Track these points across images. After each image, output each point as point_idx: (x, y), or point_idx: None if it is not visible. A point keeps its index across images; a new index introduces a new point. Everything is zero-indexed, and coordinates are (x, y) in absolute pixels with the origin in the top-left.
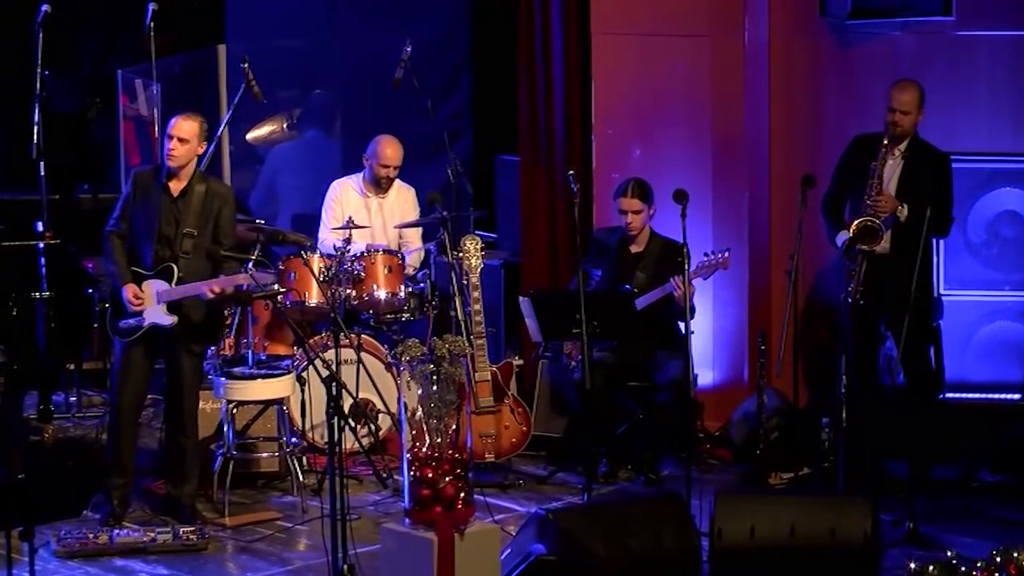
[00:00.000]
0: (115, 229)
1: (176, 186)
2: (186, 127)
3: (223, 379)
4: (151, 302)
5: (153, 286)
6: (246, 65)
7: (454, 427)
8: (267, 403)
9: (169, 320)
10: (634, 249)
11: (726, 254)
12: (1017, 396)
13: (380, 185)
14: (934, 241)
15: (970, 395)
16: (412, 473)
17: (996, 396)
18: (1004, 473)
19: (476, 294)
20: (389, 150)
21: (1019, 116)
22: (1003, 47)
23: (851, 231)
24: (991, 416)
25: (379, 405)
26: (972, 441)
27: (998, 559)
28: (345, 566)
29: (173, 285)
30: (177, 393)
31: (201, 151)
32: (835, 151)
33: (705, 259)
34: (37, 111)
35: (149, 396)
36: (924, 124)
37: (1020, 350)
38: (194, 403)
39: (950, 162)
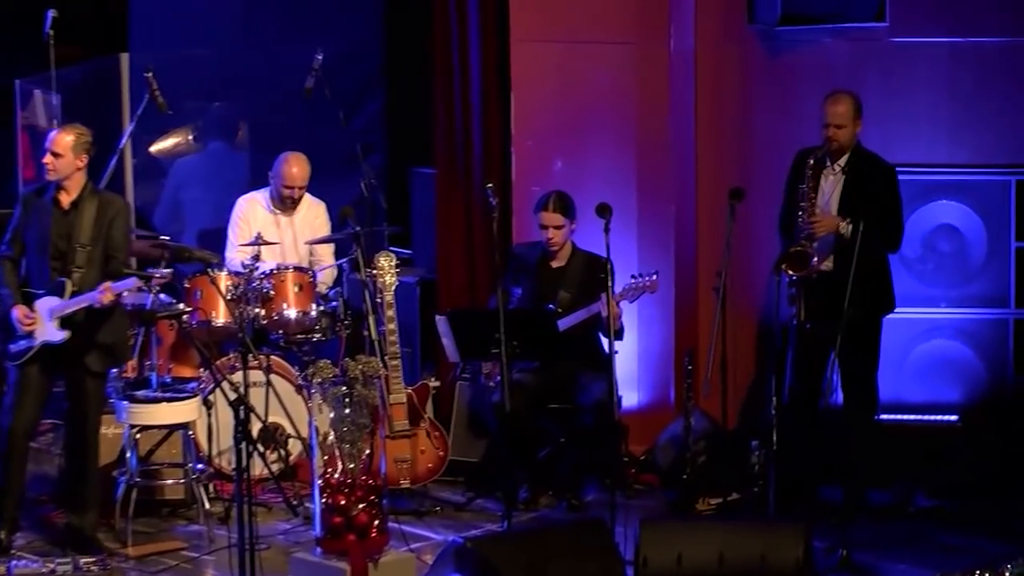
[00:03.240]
0: (7, 253)
1: (66, 199)
2: (60, 140)
3: (126, 403)
4: (42, 321)
5: (44, 304)
6: (150, 74)
7: (368, 452)
8: (172, 428)
9: (61, 335)
10: (555, 265)
11: (654, 277)
12: (954, 417)
13: (286, 203)
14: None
15: (906, 416)
16: (324, 500)
17: (933, 418)
18: (941, 498)
19: (391, 313)
20: (295, 168)
21: (957, 127)
22: (940, 55)
23: (780, 257)
24: (928, 438)
25: (289, 429)
26: (909, 464)
27: None
28: None
29: (66, 298)
30: (78, 417)
31: (82, 164)
32: (765, 163)
33: (632, 282)
34: None
35: (48, 421)
36: (861, 134)
37: (958, 370)
38: (95, 427)
39: (896, 174)
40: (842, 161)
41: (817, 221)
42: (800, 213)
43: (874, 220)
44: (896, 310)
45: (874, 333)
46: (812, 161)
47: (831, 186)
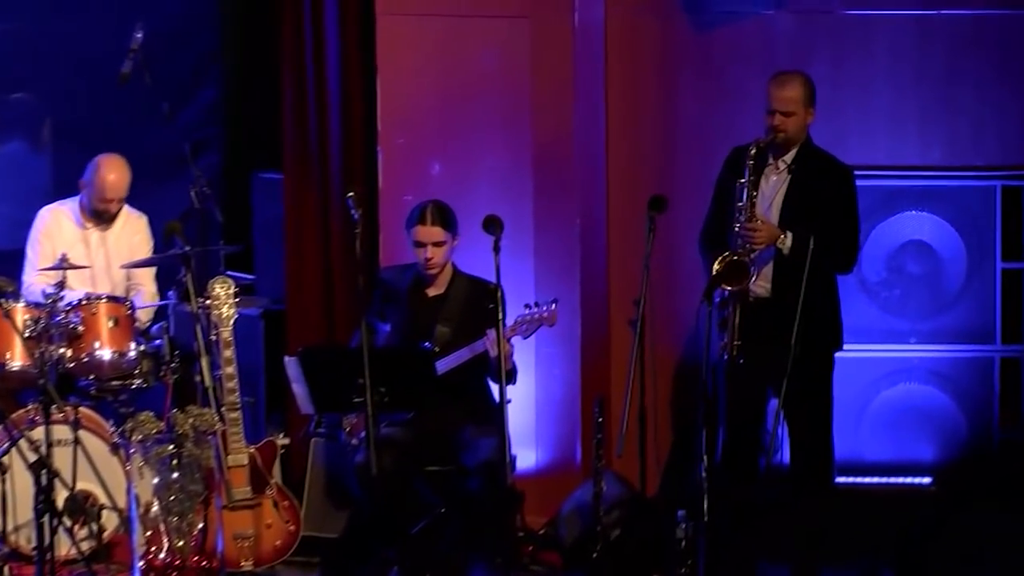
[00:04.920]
0: None
1: None
2: None
3: None
4: None
5: None
6: None
7: (200, 526)
8: None
9: None
10: (433, 292)
11: (552, 307)
12: (927, 480)
13: (102, 216)
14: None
15: (868, 479)
16: None
17: (901, 480)
18: None
19: (228, 353)
20: (111, 175)
21: (927, 119)
22: (904, 30)
23: (714, 269)
24: (894, 505)
25: (103, 498)
26: (871, 537)
27: None
28: None
29: None
30: None
31: None
32: (693, 165)
33: (526, 312)
34: None
35: None
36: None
37: (931, 420)
38: None
39: (854, 177)
40: (788, 157)
41: (757, 228)
42: (737, 216)
43: (825, 233)
44: (856, 347)
45: (825, 375)
46: (754, 151)
47: (773, 187)
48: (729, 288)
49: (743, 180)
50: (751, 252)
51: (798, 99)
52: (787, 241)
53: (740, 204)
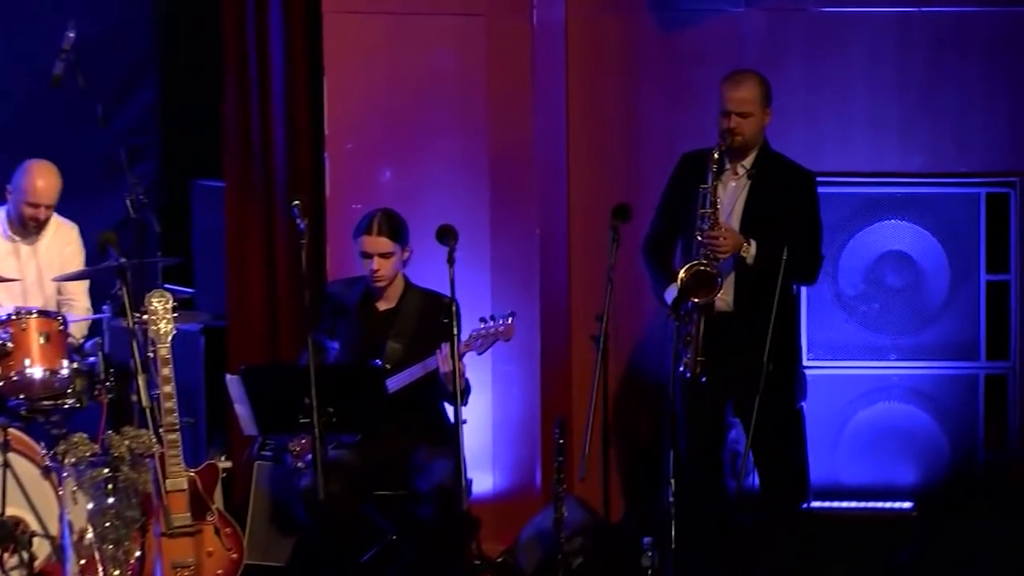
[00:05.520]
0: None
1: None
2: None
3: None
4: None
5: None
6: None
7: (137, 555)
8: None
9: None
10: (383, 307)
11: (509, 320)
12: (908, 505)
13: (29, 228)
14: (801, 290)
15: (844, 504)
16: None
17: (880, 505)
18: None
19: (167, 371)
20: (40, 181)
21: (908, 123)
22: (886, 28)
23: (680, 280)
24: (872, 532)
25: (33, 525)
26: (848, 566)
27: None
28: None
29: None
30: None
31: None
32: (659, 171)
33: (481, 327)
34: None
35: None
36: (780, 134)
37: (912, 441)
38: None
39: (815, 182)
40: (747, 162)
41: (720, 237)
42: (700, 224)
43: (788, 241)
44: (833, 364)
45: (789, 391)
46: (717, 155)
47: (732, 194)
48: (697, 300)
49: (705, 186)
50: (715, 261)
51: (754, 99)
52: (751, 250)
53: (703, 211)
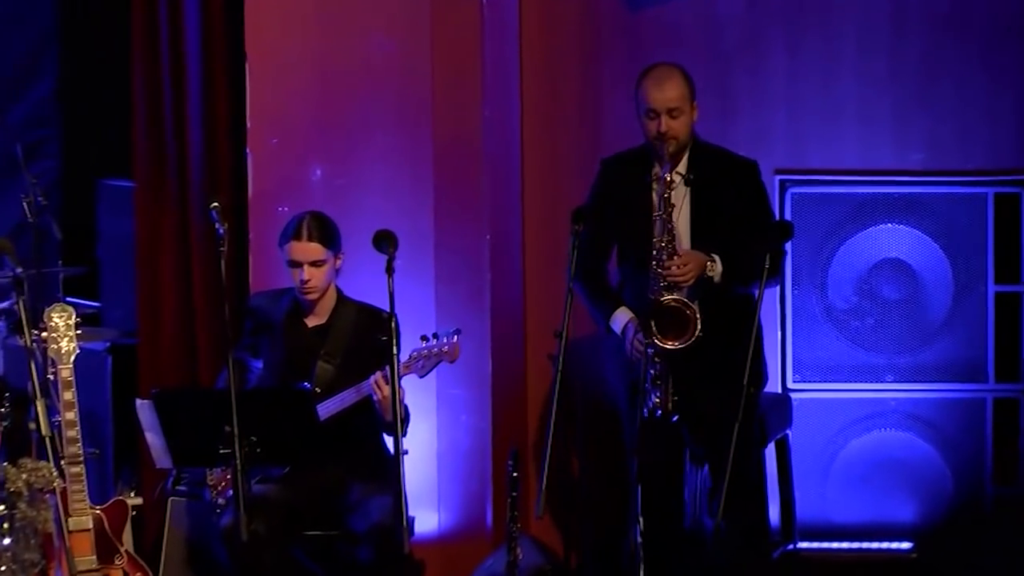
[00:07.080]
0: None
1: None
2: None
3: None
4: None
5: None
6: None
7: None
8: None
9: None
10: (313, 322)
11: (453, 339)
12: (907, 545)
13: None
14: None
15: (835, 544)
16: None
17: (876, 546)
18: None
19: (69, 395)
20: None
21: (904, 116)
22: (878, 7)
23: (652, 325)
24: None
25: None
26: None
27: None
28: None
29: None
30: None
31: None
32: None
33: (423, 347)
34: None
35: None
36: (758, 128)
37: (911, 473)
38: None
39: (759, 170)
40: (681, 167)
41: (682, 265)
42: (657, 255)
43: (746, 244)
44: (822, 387)
45: (750, 419)
46: (668, 178)
47: (675, 206)
48: (675, 345)
49: (659, 213)
50: (679, 291)
51: (683, 96)
52: (716, 267)
53: (659, 240)
